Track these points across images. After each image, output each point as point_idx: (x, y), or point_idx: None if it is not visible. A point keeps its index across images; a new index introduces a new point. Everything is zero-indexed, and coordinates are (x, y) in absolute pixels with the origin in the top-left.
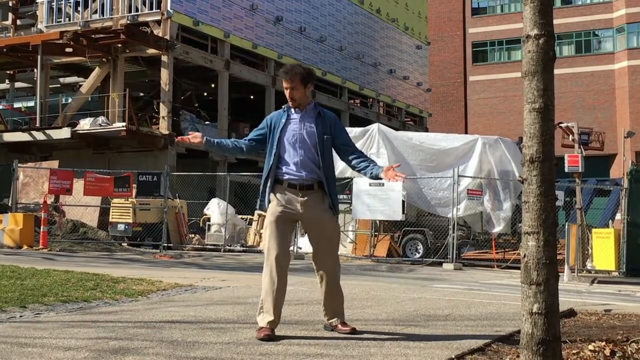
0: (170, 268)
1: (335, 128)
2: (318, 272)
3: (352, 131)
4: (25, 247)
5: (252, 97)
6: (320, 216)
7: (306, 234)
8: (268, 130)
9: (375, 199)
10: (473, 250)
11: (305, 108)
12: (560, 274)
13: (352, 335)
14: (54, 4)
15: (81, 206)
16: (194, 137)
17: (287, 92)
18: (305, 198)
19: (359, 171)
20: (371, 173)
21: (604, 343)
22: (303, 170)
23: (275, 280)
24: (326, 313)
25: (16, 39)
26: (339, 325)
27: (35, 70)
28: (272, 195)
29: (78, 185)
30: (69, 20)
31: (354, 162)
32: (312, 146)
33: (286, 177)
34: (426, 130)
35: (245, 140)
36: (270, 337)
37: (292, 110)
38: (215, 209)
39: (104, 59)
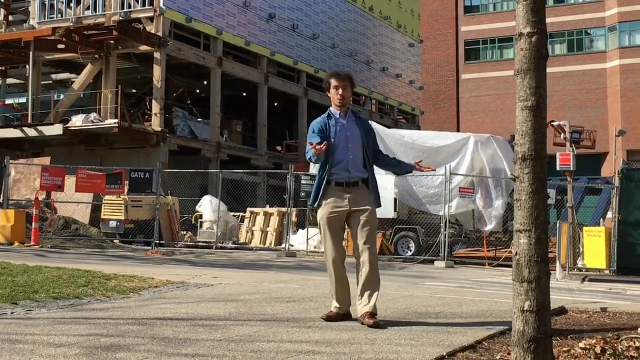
0: (162, 265)
1: (372, 132)
2: (359, 261)
3: None
4: (16, 244)
5: (244, 94)
6: (364, 208)
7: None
8: (323, 135)
9: None
10: (465, 249)
11: (347, 112)
12: (552, 272)
13: (347, 332)
14: (47, 0)
15: (73, 203)
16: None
17: (338, 92)
18: (351, 194)
19: (392, 167)
20: (405, 167)
21: (595, 341)
22: (352, 169)
23: (334, 280)
24: (361, 300)
25: (8, 35)
26: (366, 318)
27: (27, 66)
28: (323, 200)
29: (70, 182)
30: (62, 16)
31: (387, 160)
32: (360, 146)
33: (334, 177)
34: (418, 128)
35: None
36: (331, 318)
37: (337, 114)
38: (208, 206)
39: (96, 56)
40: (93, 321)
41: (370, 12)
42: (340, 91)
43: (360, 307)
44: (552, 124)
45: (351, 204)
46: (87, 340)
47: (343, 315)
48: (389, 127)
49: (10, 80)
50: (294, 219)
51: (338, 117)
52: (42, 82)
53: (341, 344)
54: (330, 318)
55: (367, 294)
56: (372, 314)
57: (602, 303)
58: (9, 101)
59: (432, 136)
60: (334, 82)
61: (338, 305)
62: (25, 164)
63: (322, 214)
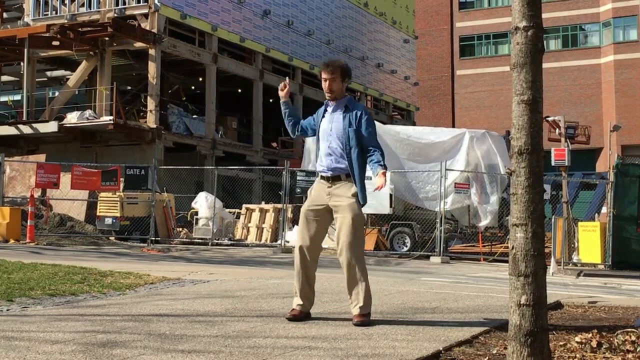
0: (158, 262)
1: (360, 123)
2: (340, 259)
3: None
4: (12, 241)
5: (239, 90)
6: (343, 204)
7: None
8: (314, 122)
9: None
10: (460, 244)
11: (338, 101)
12: (546, 266)
13: (343, 328)
14: None
15: (68, 200)
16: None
17: (325, 84)
18: (332, 188)
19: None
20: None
21: (590, 335)
22: (333, 161)
23: (299, 269)
24: (351, 303)
25: (2, 32)
26: (354, 317)
27: (22, 63)
28: (311, 188)
29: (65, 179)
30: (56, 13)
31: (367, 159)
32: (339, 138)
33: (319, 168)
34: (413, 124)
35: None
36: (296, 317)
37: (329, 103)
38: (203, 203)
39: (91, 53)
40: (89, 317)
41: (365, 8)
42: (327, 83)
43: (351, 308)
44: (547, 119)
45: (331, 199)
46: (83, 337)
47: (306, 314)
48: (384, 123)
49: (4, 78)
50: (289, 215)
51: (328, 106)
52: (37, 79)
53: (337, 339)
54: (295, 317)
55: (353, 296)
56: (360, 314)
57: (597, 297)
58: (3, 98)
59: (427, 132)
60: (322, 74)
61: (300, 302)
62: (20, 161)
63: (304, 204)
